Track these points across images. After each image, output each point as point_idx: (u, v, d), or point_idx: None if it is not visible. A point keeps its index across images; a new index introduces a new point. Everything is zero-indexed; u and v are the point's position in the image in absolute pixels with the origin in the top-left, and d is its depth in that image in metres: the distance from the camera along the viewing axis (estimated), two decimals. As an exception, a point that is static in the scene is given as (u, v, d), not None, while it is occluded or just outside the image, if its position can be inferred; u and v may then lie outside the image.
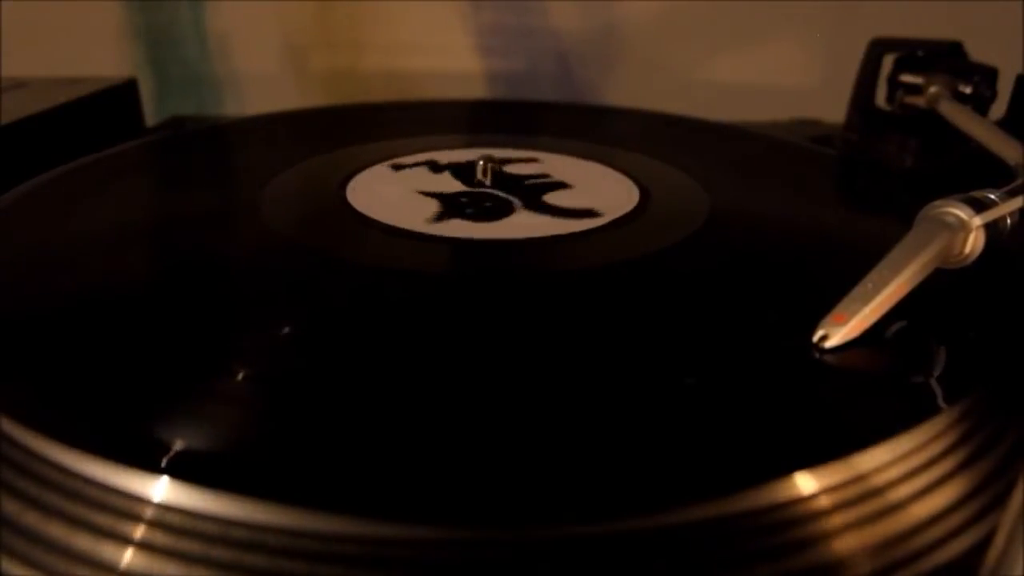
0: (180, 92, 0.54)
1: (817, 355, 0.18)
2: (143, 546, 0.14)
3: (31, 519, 0.15)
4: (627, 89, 0.54)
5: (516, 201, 0.27)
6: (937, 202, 0.21)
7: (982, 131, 0.28)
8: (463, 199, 0.27)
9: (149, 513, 0.14)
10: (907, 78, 0.34)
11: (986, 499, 0.16)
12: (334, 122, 0.40)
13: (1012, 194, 0.21)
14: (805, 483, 0.15)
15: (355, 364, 0.18)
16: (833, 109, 0.39)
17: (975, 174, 0.24)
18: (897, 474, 0.15)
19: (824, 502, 0.15)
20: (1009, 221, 0.21)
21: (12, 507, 0.15)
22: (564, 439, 0.16)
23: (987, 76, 0.32)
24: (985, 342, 0.20)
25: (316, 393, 0.17)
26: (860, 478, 0.15)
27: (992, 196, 0.21)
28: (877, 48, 0.35)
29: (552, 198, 0.28)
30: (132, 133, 0.41)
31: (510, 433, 0.16)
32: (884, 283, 0.19)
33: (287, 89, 0.54)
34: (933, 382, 0.18)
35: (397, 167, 0.31)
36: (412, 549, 0.14)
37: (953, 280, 0.21)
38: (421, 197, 0.28)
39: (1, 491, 0.15)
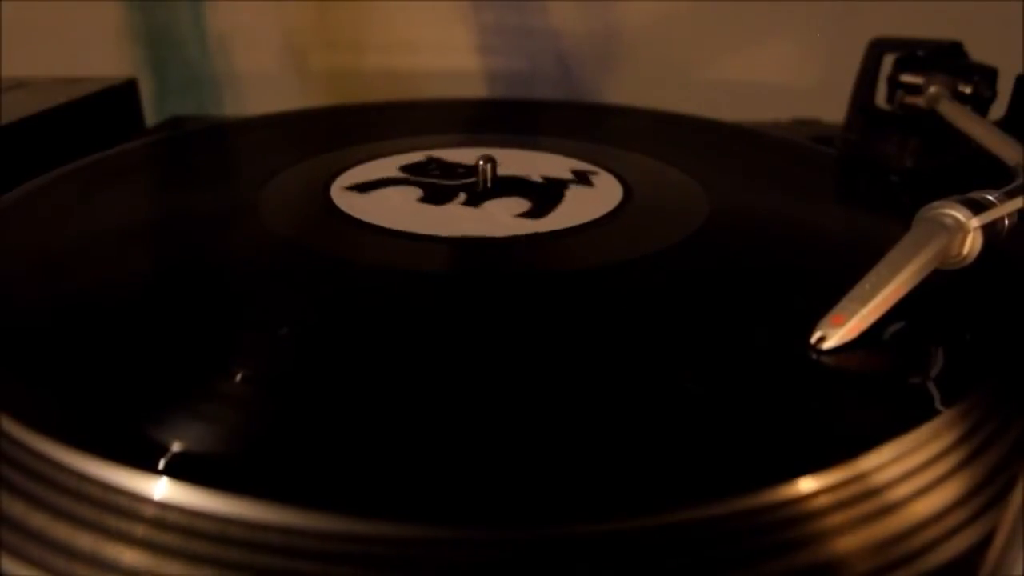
0: (180, 92, 0.54)
1: (815, 356, 0.18)
2: (142, 545, 0.14)
3: (31, 518, 0.15)
4: (627, 89, 0.54)
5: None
6: (935, 203, 0.21)
7: (982, 131, 0.28)
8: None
9: (149, 512, 0.14)
10: (907, 78, 0.34)
11: (985, 499, 0.16)
12: (334, 122, 0.40)
13: (1010, 195, 0.21)
14: (804, 483, 0.15)
15: (355, 364, 0.18)
16: (833, 109, 0.39)
17: (975, 174, 0.24)
18: (897, 474, 0.15)
19: (824, 501, 0.15)
20: (1007, 222, 0.21)
21: (12, 506, 0.15)
22: (566, 440, 0.16)
23: (987, 76, 0.32)
24: (984, 343, 0.20)
25: (317, 393, 0.17)
26: (860, 477, 0.15)
27: (990, 197, 0.21)
28: (877, 48, 0.35)
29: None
30: (132, 133, 0.41)
31: (512, 434, 0.16)
32: (882, 284, 0.19)
33: (287, 89, 0.54)
34: (931, 383, 0.18)
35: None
36: (411, 549, 0.14)
37: (951, 281, 0.21)
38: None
39: (1, 490, 0.15)
